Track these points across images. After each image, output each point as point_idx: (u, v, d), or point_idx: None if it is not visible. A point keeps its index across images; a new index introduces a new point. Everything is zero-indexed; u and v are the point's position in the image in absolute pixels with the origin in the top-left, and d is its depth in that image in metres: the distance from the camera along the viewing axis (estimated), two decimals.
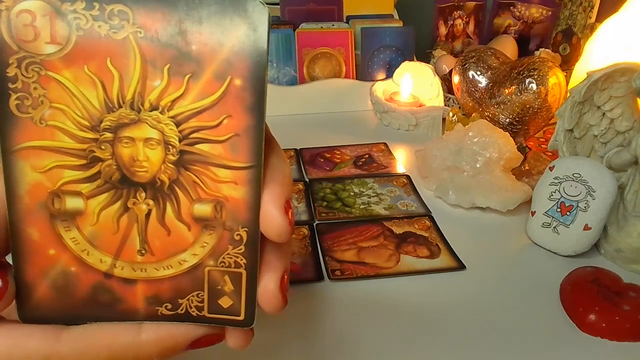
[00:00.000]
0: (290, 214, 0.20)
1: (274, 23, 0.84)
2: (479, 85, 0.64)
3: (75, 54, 0.18)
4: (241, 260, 0.20)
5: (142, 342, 0.21)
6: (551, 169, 0.46)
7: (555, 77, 0.57)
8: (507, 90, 0.60)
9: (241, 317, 0.21)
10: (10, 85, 0.18)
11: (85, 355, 0.20)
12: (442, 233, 0.48)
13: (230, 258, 0.20)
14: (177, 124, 0.19)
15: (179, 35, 0.18)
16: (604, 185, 0.43)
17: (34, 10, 0.18)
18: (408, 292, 0.41)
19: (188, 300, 0.21)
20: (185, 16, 0.18)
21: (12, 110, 0.18)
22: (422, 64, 0.75)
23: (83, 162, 0.19)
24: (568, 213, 0.44)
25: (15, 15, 0.18)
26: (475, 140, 0.53)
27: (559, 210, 0.45)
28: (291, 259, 0.44)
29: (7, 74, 0.18)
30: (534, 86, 0.57)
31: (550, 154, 0.61)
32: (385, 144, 0.68)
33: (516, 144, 0.54)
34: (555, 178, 0.45)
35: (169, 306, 0.21)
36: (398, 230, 0.49)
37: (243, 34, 0.18)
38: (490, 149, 0.53)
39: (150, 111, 0.19)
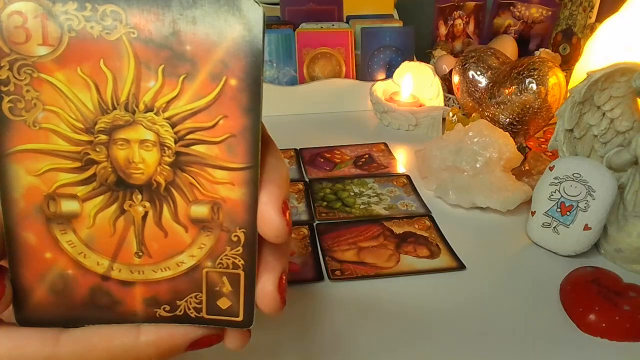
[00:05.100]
0: (287, 214, 0.20)
1: (274, 23, 0.84)
2: (479, 85, 0.64)
3: (68, 56, 0.18)
4: (239, 261, 0.20)
5: (141, 344, 0.20)
6: (551, 169, 0.46)
7: (555, 77, 0.56)
8: (507, 90, 0.59)
9: (240, 318, 0.21)
10: (3, 88, 0.18)
11: (84, 357, 0.20)
12: (442, 233, 0.48)
13: (228, 259, 0.20)
14: (173, 125, 0.19)
15: (172, 36, 0.18)
16: (604, 185, 0.43)
17: (25, 12, 0.17)
18: (408, 292, 0.41)
19: (186, 301, 0.21)
20: (179, 16, 0.18)
21: (4, 113, 0.18)
22: (422, 64, 0.75)
23: (78, 164, 0.19)
24: (568, 213, 0.44)
25: (6, 17, 0.17)
26: (475, 140, 0.53)
27: (559, 210, 0.45)
28: (291, 259, 0.44)
29: None
30: (534, 86, 0.57)
31: (550, 154, 0.61)
32: (385, 144, 0.68)
33: (516, 144, 0.54)
34: (555, 178, 0.45)
35: (168, 308, 0.21)
36: (398, 230, 0.49)
37: (238, 34, 0.18)
38: (490, 149, 0.52)
39: (145, 112, 0.19)
